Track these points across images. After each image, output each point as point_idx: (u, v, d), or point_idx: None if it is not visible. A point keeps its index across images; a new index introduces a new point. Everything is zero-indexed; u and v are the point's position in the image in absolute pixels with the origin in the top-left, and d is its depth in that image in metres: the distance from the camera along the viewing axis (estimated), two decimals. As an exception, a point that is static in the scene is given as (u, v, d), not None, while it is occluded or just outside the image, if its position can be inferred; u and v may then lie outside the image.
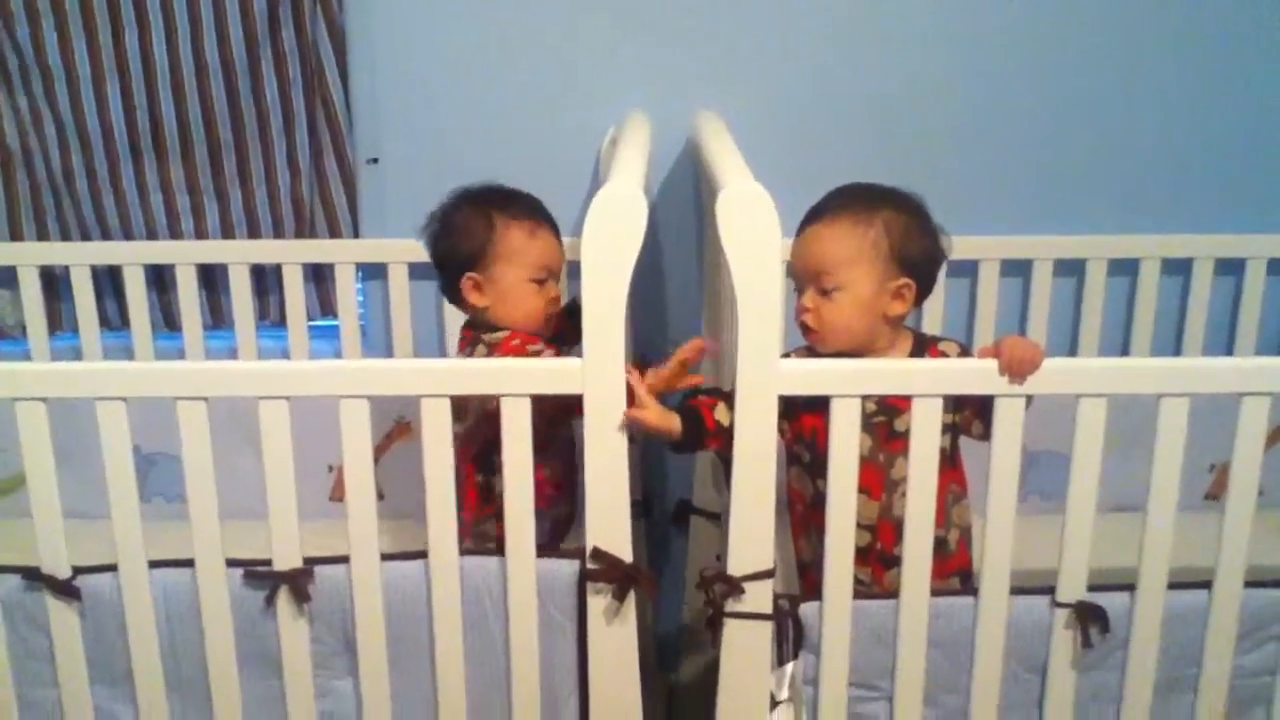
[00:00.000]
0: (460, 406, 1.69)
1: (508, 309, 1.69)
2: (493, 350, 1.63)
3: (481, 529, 1.68)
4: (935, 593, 1.45)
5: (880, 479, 1.54)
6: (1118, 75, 2.08)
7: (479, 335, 1.68)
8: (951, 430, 1.55)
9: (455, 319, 1.96)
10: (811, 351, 1.58)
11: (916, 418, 1.39)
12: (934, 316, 2.07)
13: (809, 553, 1.62)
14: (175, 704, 1.51)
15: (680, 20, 2.05)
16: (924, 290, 1.56)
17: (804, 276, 1.55)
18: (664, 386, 1.48)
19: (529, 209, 1.73)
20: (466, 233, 1.70)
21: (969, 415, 1.52)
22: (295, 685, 1.50)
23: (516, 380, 1.38)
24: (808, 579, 1.64)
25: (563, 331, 1.73)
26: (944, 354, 1.57)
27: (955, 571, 1.59)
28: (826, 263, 1.51)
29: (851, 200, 1.55)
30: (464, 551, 1.45)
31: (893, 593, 1.46)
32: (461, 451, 1.70)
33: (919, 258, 1.54)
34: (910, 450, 1.40)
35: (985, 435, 1.47)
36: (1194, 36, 2.07)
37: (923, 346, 1.58)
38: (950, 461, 1.56)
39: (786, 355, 1.57)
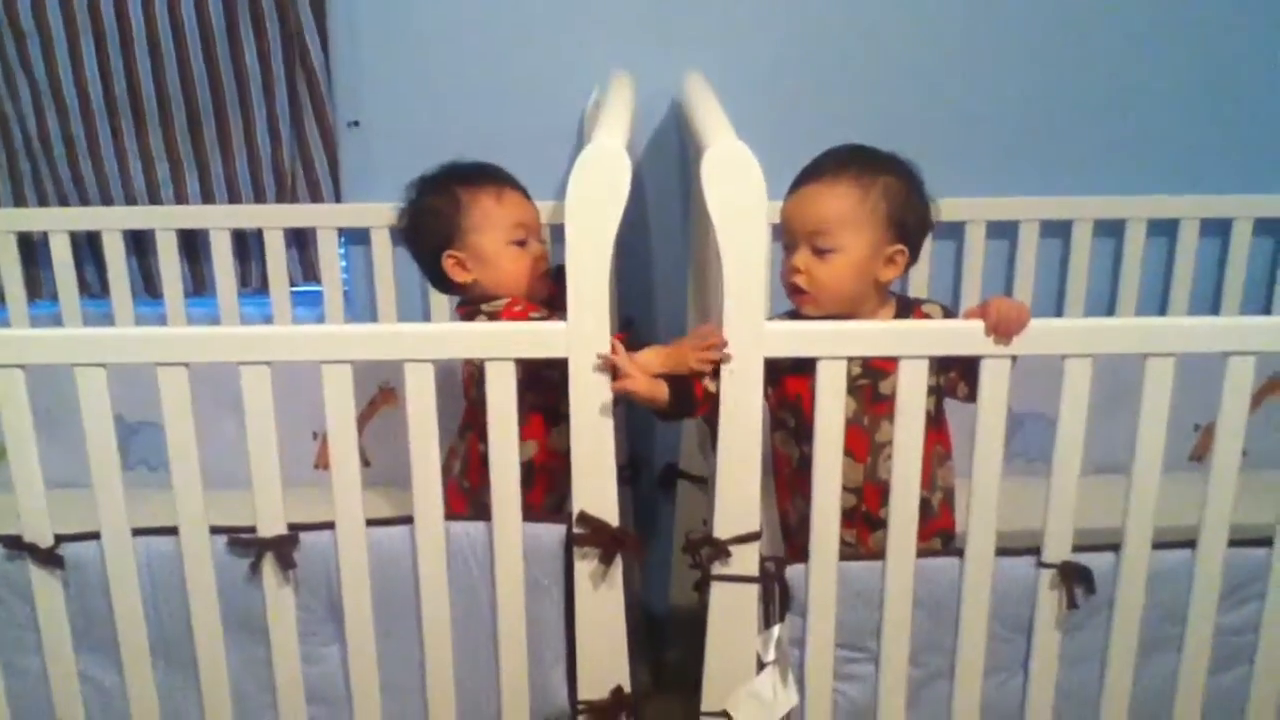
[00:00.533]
0: (470, 377, 1.69)
1: (496, 276, 1.68)
2: (495, 318, 1.62)
3: (482, 498, 1.67)
4: (921, 554, 1.45)
5: (865, 442, 1.54)
6: (1105, 36, 2.07)
7: (478, 308, 1.65)
8: (936, 392, 1.55)
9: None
10: (794, 317, 1.57)
11: (903, 379, 1.38)
12: (920, 278, 2.06)
13: (794, 516, 1.63)
14: (160, 671, 1.51)
15: (665, -20, 2.03)
16: (912, 258, 1.55)
17: (798, 235, 1.52)
18: (661, 368, 1.45)
19: (490, 175, 1.72)
20: (434, 214, 1.69)
21: (954, 377, 1.52)
22: (281, 652, 1.50)
23: (500, 344, 1.38)
24: (792, 542, 1.64)
25: (555, 295, 1.72)
26: (927, 316, 1.57)
27: (937, 532, 1.59)
28: (825, 222, 1.49)
29: (852, 162, 1.53)
30: (451, 517, 1.45)
31: (878, 554, 1.46)
32: (470, 420, 1.70)
33: (914, 225, 1.54)
34: (896, 412, 1.40)
35: (970, 397, 1.47)
36: (1181, -2, 2.06)
37: (907, 310, 1.58)
38: (935, 423, 1.56)
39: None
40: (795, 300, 1.54)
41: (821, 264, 1.50)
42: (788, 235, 1.54)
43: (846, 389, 1.39)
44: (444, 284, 1.73)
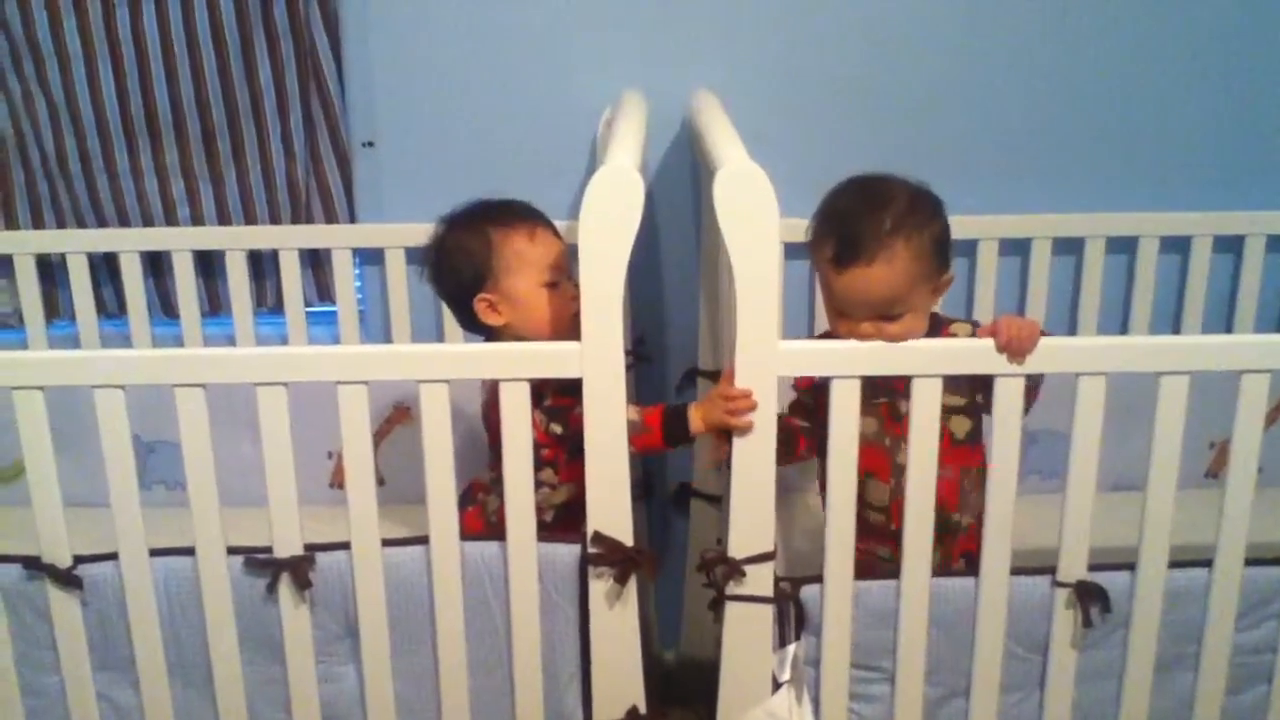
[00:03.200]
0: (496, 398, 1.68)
1: (529, 320, 1.62)
2: None
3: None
4: (936, 573, 1.45)
5: (887, 463, 1.54)
6: (1116, 52, 2.07)
7: None
8: (974, 412, 1.53)
9: (453, 303, 1.96)
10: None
11: (916, 398, 1.38)
12: (933, 296, 2.06)
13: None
14: (178, 690, 1.52)
15: (677, -1, 2.04)
16: None
17: (864, 310, 1.46)
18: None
19: (521, 213, 1.66)
20: (465, 254, 1.62)
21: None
22: (297, 672, 1.50)
23: (515, 364, 1.38)
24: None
25: None
26: (955, 336, 1.55)
27: (964, 553, 1.58)
28: (894, 298, 1.44)
29: (895, 224, 1.44)
30: (466, 537, 1.46)
31: (893, 573, 1.46)
32: (496, 440, 1.69)
33: (949, 249, 1.52)
34: (910, 430, 1.40)
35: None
36: (1192, 14, 2.06)
37: (936, 328, 1.56)
38: (971, 443, 1.54)
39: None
40: None
41: (893, 325, 1.45)
42: (846, 306, 1.47)
43: (864, 409, 1.40)
44: (475, 325, 1.67)
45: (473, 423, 1.71)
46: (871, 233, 1.44)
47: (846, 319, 1.48)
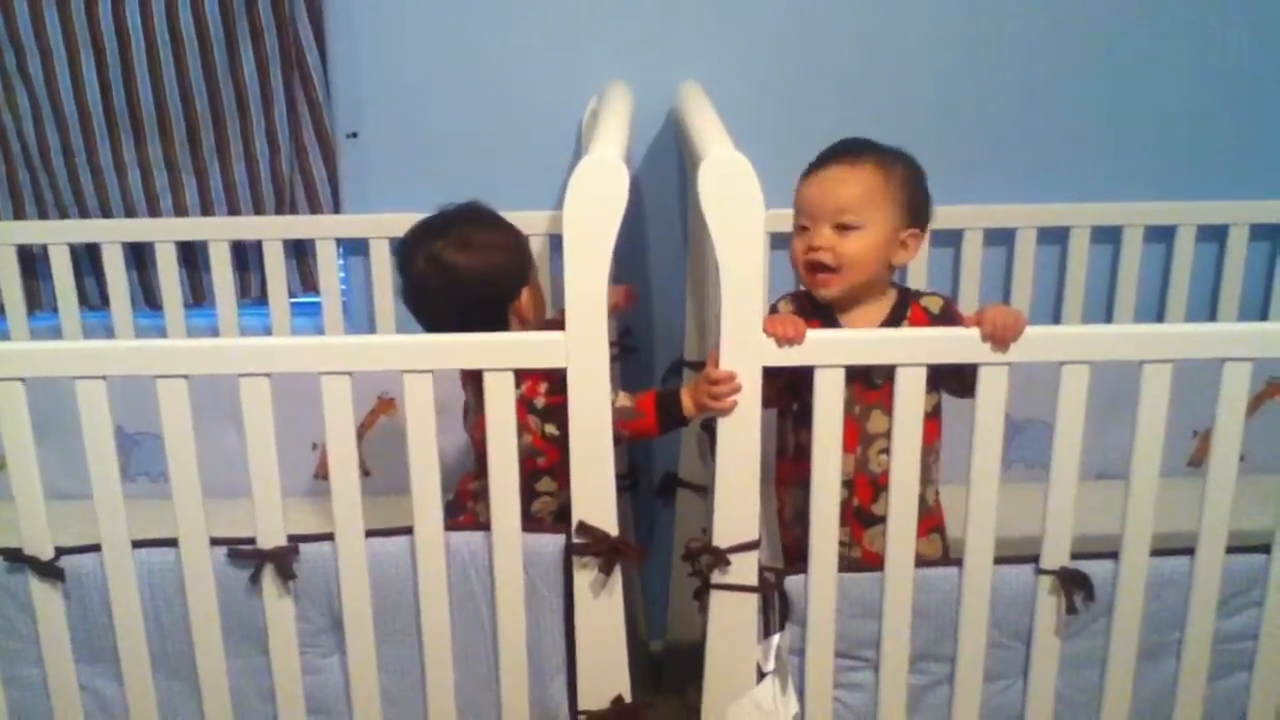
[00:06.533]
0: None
1: (538, 317, 1.66)
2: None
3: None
4: (920, 563, 1.45)
5: (856, 432, 1.54)
6: (1100, 43, 2.08)
7: None
8: (933, 385, 1.53)
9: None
10: (800, 300, 1.57)
11: (900, 387, 1.39)
12: (918, 285, 2.06)
13: (789, 509, 1.62)
14: (161, 682, 1.51)
15: (662, -10, 2.04)
16: None
17: (820, 214, 1.52)
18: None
19: None
20: (515, 249, 1.62)
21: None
22: (282, 663, 1.50)
23: (499, 354, 1.38)
24: (788, 532, 1.63)
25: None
26: (927, 310, 1.57)
27: (933, 529, 1.59)
28: (851, 201, 1.50)
29: (869, 148, 1.55)
30: (451, 527, 1.45)
31: (876, 560, 1.46)
32: (483, 448, 1.69)
33: (924, 214, 1.56)
34: (894, 424, 1.40)
35: (954, 392, 1.48)
36: (1177, 6, 2.06)
37: (906, 301, 1.58)
38: (931, 417, 1.55)
39: (775, 304, 1.60)
40: (816, 280, 1.54)
41: (845, 240, 1.51)
42: (805, 216, 1.54)
43: None
44: (501, 321, 1.62)
45: (458, 417, 1.70)
46: (848, 149, 1.55)
47: (804, 234, 1.53)
